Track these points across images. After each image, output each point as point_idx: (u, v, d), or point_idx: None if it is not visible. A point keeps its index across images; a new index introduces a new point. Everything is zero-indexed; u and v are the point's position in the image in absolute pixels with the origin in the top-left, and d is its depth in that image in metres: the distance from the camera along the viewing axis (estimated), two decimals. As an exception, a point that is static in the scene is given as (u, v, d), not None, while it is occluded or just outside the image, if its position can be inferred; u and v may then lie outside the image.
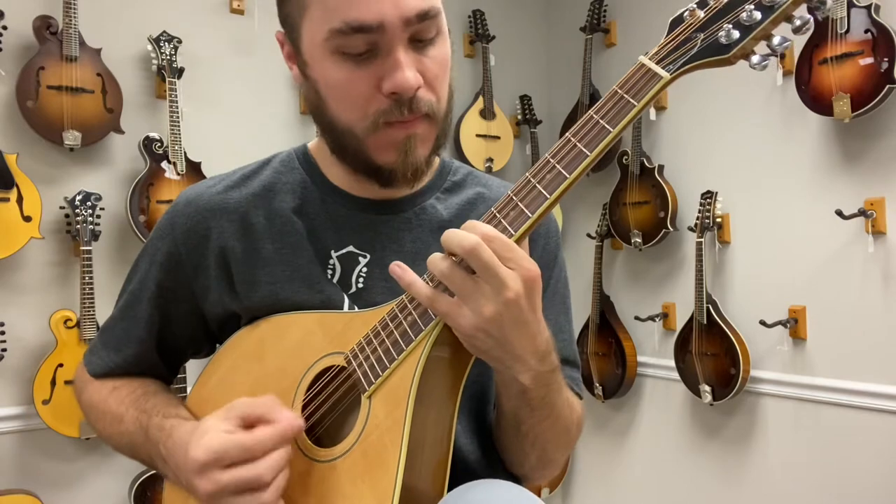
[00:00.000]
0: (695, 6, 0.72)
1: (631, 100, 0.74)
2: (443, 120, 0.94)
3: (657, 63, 0.73)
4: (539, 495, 0.83)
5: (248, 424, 0.83)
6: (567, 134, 0.77)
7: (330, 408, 0.90)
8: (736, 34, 0.69)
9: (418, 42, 0.88)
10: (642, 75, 0.74)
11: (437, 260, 0.78)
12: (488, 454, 1.03)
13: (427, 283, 0.80)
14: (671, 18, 0.74)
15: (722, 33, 0.69)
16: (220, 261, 1.01)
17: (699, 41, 0.71)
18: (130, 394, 1.04)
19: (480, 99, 3.45)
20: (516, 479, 1.06)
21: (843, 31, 2.32)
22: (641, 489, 3.34)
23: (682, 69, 0.72)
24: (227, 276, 1.01)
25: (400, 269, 0.80)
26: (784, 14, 0.67)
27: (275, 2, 0.96)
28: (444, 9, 0.92)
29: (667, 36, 0.74)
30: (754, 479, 2.82)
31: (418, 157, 0.92)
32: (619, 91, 0.75)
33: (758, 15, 0.67)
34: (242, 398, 0.86)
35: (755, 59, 0.69)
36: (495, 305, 0.75)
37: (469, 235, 0.74)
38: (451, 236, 0.76)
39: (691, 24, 0.73)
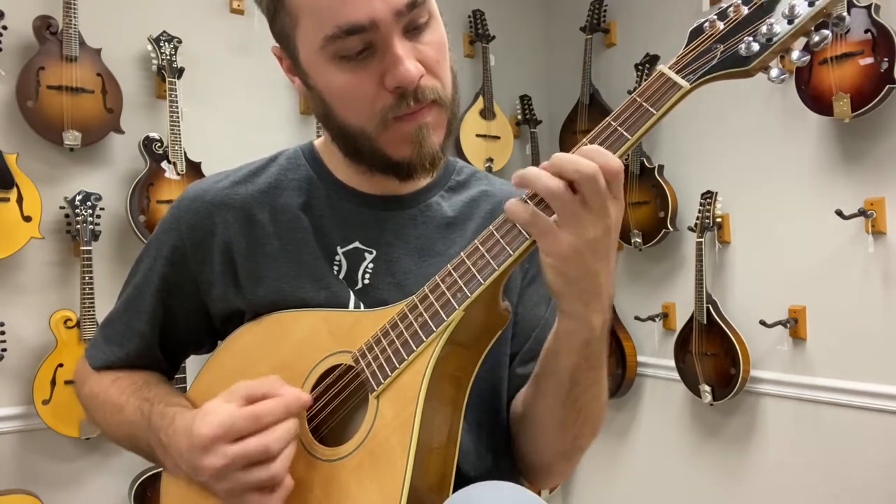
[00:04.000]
0: (715, 17, 0.72)
1: (650, 108, 0.74)
2: (451, 103, 0.94)
3: (677, 73, 0.73)
4: (539, 495, 0.83)
5: (253, 402, 0.83)
6: (585, 140, 0.77)
7: (336, 407, 0.91)
8: (756, 47, 0.69)
9: (413, 30, 0.88)
10: (662, 84, 0.74)
11: (544, 178, 0.74)
12: (493, 453, 1.02)
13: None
14: (691, 28, 0.74)
15: (742, 45, 0.69)
16: (224, 256, 1.01)
17: (719, 52, 0.71)
18: (132, 384, 1.04)
19: (480, 99, 3.45)
20: (517, 479, 1.07)
21: (843, 31, 2.32)
22: (641, 489, 3.34)
23: (701, 79, 0.72)
24: (232, 272, 1.01)
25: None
26: (803, 29, 0.67)
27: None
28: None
29: (686, 46, 0.74)
30: (754, 479, 2.83)
31: (432, 145, 0.92)
32: (637, 99, 0.75)
33: (778, 29, 0.67)
34: (243, 381, 0.86)
35: (774, 72, 0.69)
36: (595, 230, 0.74)
37: (590, 163, 0.73)
38: (570, 161, 0.73)
39: (711, 34, 0.73)
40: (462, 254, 0.82)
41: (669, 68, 0.73)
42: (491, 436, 1.03)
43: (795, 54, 0.68)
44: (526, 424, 0.99)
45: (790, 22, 0.66)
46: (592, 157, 0.73)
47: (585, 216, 0.73)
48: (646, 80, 0.76)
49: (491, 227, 0.80)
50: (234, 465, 0.79)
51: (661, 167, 3.12)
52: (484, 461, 1.01)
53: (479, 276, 0.79)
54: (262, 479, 0.79)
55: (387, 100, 0.88)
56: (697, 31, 0.74)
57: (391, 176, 0.96)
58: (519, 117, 3.66)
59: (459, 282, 0.80)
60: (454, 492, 0.83)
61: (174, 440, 0.87)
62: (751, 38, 0.68)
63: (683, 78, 0.72)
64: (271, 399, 0.82)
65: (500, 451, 1.04)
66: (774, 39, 0.67)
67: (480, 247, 0.80)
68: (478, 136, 3.42)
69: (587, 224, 0.73)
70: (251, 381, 0.85)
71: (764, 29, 0.67)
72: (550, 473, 1.02)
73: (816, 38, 0.66)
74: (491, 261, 0.78)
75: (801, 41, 0.68)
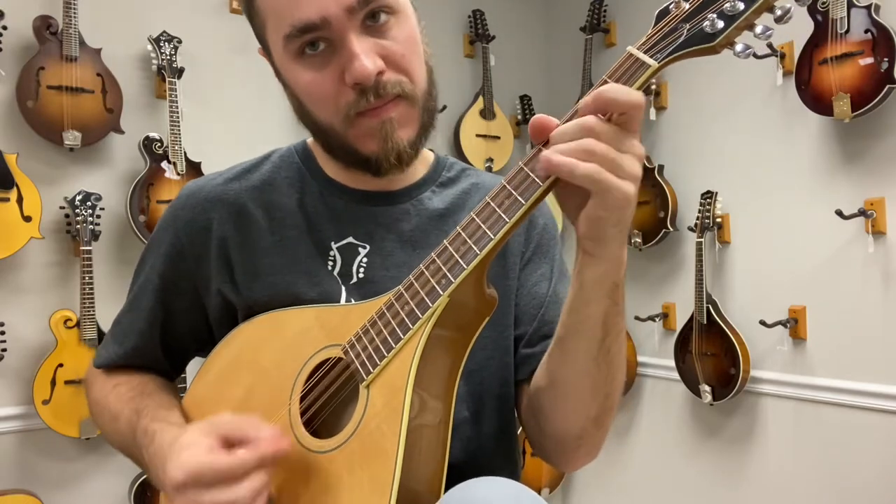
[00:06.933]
0: None
1: None
2: (422, 98, 0.95)
3: (645, 52, 0.75)
4: (539, 494, 0.83)
5: (230, 444, 0.82)
6: (561, 121, 0.79)
7: (328, 399, 0.91)
8: (720, 24, 0.70)
9: (373, 26, 0.88)
10: (631, 64, 0.75)
11: (593, 124, 0.73)
12: (493, 441, 1.03)
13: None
14: (657, 10, 0.75)
15: (707, 23, 0.70)
16: (220, 251, 1.02)
17: (685, 31, 0.73)
18: (129, 391, 1.05)
19: (480, 99, 3.47)
20: (517, 468, 1.08)
21: (843, 31, 2.32)
22: (641, 489, 3.34)
23: (669, 57, 0.74)
24: (228, 267, 1.02)
25: (556, 158, 0.74)
26: (766, 4, 0.69)
27: None
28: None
29: (654, 27, 0.76)
30: (754, 479, 2.82)
31: (399, 140, 0.92)
32: (608, 80, 0.76)
33: (741, 5, 0.68)
34: (226, 415, 0.86)
35: (738, 47, 0.71)
36: (639, 166, 0.74)
37: (587, 120, 0.73)
38: (616, 92, 0.72)
39: (677, 14, 0.74)
40: (445, 241, 0.82)
41: (637, 48, 0.74)
42: (492, 425, 1.03)
43: (759, 28, 0.69)
44: (554, 394, 0.95)
45: (753, -1, 0.68)
46: (611, 96, 0.73)
47: (626, 158, 0.73)
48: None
49: (472, 213, 0.81)
50: None
51: (661, 167, 3.12)
52: (484, 451, 1.02)
53: (461, 262, 0.79)
54: None
55: (349, 96, 0.89)
56: (664, 13, 0.76)
57: (364, 171, 0.97)
58: (519, 117, 3.67)
59: (443, 268, 0.81)
60: (448, 480, 0.83)
61: (153, 460, 0.88)
62: (715, 16, 0.70)
63: (651, 57, 0.74)
64: (245, 451, 0.81)
65: (502, 441, 1.05)
66: (738, 15, 0.69)
67: (462, 233, 0.81)
68: (478, 136, 3.43)
69: (632, 165, 0.73)
70: (232, 419, 0.85)
71: (727, 6, 0.69)
72: (581, 445, 0.98)
73: (779, 13, 0.67)
74: (473, 246, 0.79)
75: (766, 17, 0.69)
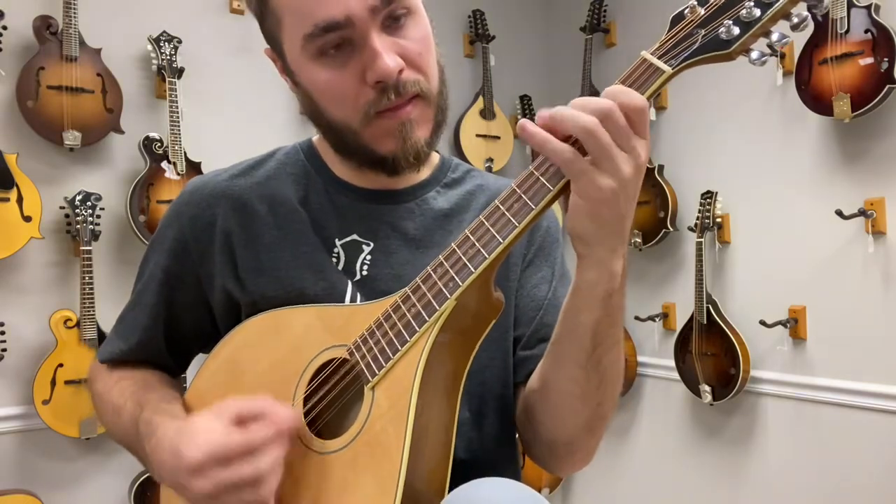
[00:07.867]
0: (695, 3, 0.73)
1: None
2: (437, 97, 0.95)
3: (659, 58, 0.74)
4: (539, 493, 0.83)
5: (242, 423, 0.83)
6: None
7: (332, 400, 0.91)
8: (736, 30, 0.69)
9: (392, 25, 0.89)
10: (645, 69, 0.74)
11: (578, 116, 0.72)
12: (495, 443, 1.03)
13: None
14: (672, 15, 0.75)
15: (722, 29, 0.70)
16: (224, 246, 1.02)
17: (700, 37, 0.72)
18: (132, 385, 1.05)
19: (480, 99, 3.47)
20: (518, 469, 1.08)
21: (843, 31, 2.32)
22: (641, 489, 3.34)
23: (683, 64, 0.73)
24: (231, 262, 1.01)
25: (531, 127, 0.75)
26: (782, 11, 0.68)
27: None
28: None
29: (668, 32, 0.75)
30: (754, 479, 2.82)
31: (417, 139, 0.93)
32: (622, 85, 0.75)
33: (757, 12, 0.68)
34: (234, 398, 0.86)
35: (754, 54, 0.70)
36: (630, 168, 0.73)
37: (608, 101, 0.72)
38: (587, 101, 0.73)
39: (692, 20, 0.73)
40: (453, 244, 0.82)
41: (651, 54, 0.74)
42: (493, 425, 1.03)
43: (775, 36, 0.69)
44: (545, 398, 0.96)
45: (769, 5, 0.67)
46: (613, 97, 0.73)
47: (618, 154, 0.72)
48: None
49: (481, 216, 0.81)
50: (225, 490, 0.79)
51: (660, 167, 3.12)
52: (486, 451, 1.01)
53: (469, 265, 0.79)
54: (251, 501, 0.79)
55: (368, 95, 0.90)
56: (679, 18, 0.75)
57: (378, 171, 0.98)
58: (519, 117, 3.65)
59: (451, 271, 0.81)
60: (451, 482, 0.83)
61: (157, 451, 0.88)
62: (731, 22, 0.69)
63: (665, 63, 0.73)
64: (264, 425, 0.82)
65: (503, 442, 1.05)
66: (754, 22, 0.68)
67: (471, 236, 0.81)
68: (478, 136, 3.43)
69: (621, 163, 0.72)
70: (242, 401, 0.85)
71: (744, 12, 0.68)
72: (574, 451, 0.99)
73: (796, 20, 0.67)
74: (481, 249, 0.79)
75: (781, 23, 0.69)
